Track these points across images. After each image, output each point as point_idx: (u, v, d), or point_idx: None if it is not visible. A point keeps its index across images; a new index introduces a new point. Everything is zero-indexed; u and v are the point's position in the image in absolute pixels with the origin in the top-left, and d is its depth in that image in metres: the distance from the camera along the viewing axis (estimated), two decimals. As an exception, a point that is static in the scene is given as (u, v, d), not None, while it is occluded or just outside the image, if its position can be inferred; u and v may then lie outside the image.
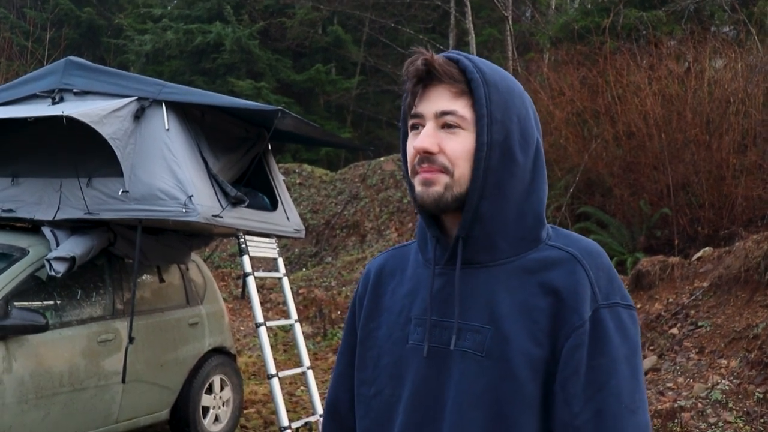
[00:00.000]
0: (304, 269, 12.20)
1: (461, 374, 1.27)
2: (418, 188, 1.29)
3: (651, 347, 6.36)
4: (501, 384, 1.24)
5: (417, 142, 1.27)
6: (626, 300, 1.28)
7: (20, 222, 5.17)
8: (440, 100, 1.28)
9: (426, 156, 1.27)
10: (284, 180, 6.13)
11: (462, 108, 1.27)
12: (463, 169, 1.27)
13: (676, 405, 5.15)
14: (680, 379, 5.66)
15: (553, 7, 17.87)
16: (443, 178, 1.27)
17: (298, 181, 14.32)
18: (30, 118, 4.58)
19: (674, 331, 6.37)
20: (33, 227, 5.07)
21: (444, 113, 1.27)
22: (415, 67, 1.27)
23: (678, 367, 5.84)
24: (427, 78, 1.28)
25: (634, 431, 1.20)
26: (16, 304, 4.38)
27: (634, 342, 1.26)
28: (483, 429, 1.24)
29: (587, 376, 1.21)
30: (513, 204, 1.30)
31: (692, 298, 6.63)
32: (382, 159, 14.21)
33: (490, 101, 1.27)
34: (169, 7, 20.43)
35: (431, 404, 1.30)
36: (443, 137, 1.27)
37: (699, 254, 7.48)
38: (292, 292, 6.00)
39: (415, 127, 1.31)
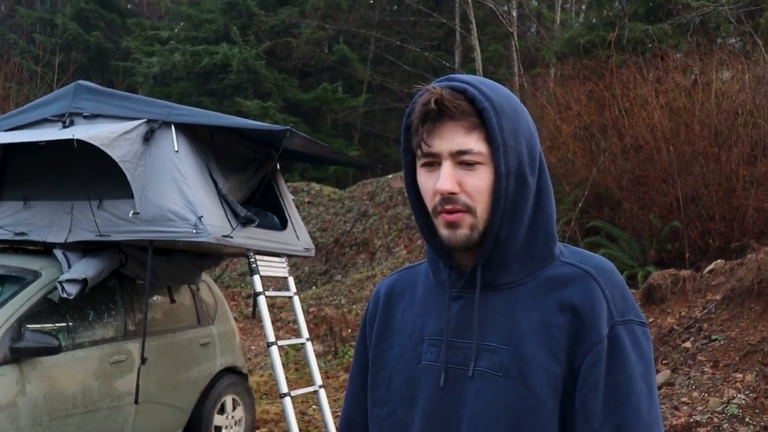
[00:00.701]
0: (314, 288, 12.19)
1: (477, 394, 1.28)
2: (443, 231, 1.29)
3: (664, 361, 6.31)
4: (520, 402, 1.24)
5: (439, 184, 1.25)
6: (640, 317, 1.30)
7: (32, 245, 5.19)
8: (454, 138, 1.25)
9: (449, 197, 1.26)
10: (293, 199, 6.14)
11: (476, 143, 1.25)
12: (484, 204, 1.27)
13: (691, 420, 5.10)
14: (695, 394, 5.61)
15: (558, 22, 17.93)
16: (468, 219, 1.27)
17: (306, 200, 14.35)
18: (41, 141, 4.62)
19: (687, 344, 6.33)
20: (45, 250, 5.10)
21: (461, 152, 1.25)
22: (426, 108, 1.25)
23: (692, 382, 5.79)
24: (440, 115, 1.25)
25: None
26: (29, 326, 4.40)
27: (649, 359, 1.27)
28: None
29: (606, 392, 1.22)
30: (524, 225, 1.31)
31: (705, 311, 6.59)
32: (390, 176, 14.23)
33: (502, 129, 1.25)
34: (176, 29, 20.61)
35: (446, 424, 1.30)
36: (462, 174, 1.26)
37: (711, 267, 7.44)
38: (303, 310, 6.00)
39: (429, 164, 1.29)
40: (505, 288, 1.32)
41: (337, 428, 1.64)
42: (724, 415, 5.06)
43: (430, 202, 1.30)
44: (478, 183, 1.26)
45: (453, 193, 1.25)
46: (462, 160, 1.25)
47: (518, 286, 1.31)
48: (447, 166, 1.26)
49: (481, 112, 1.25)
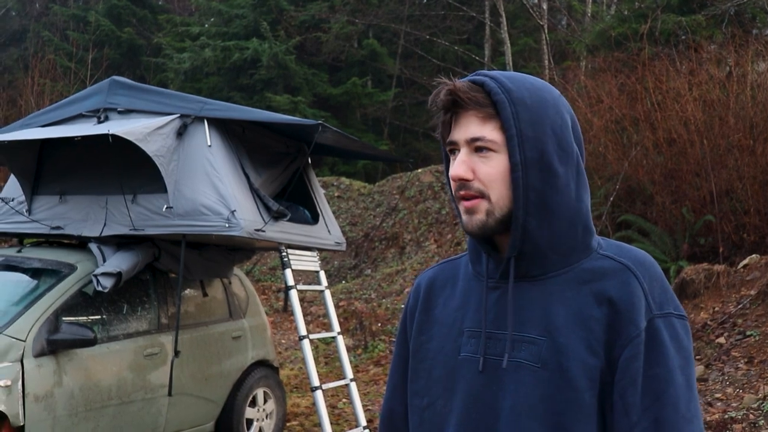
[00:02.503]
0: (343, 282, 12.23)
1: (517, 385, 1.29)
2: (463, 216, 1.33)
3: (698, 357, 6.25)
4: (558, 394, 1.25)
5: (452, 170, 1.31)
6: (679, 310, 1.29)
7: (68, 239, 5.28)
8: (470, 126, 1.31)
9: (462, 183, 1.30)
10: (323, 193, 6.16)
11: (490, 132, 1.29)
12: (499, 191, 1.29)
13: (726, 416, 5.04)
14: (729, 390, 5.54)
15: (589, 14, 17.75)
16: (483, 205, 1.30)
17: (336, 194, 14.39)
18: (77, 137, 4.69)
19: (721, 340, 6.25)
20: (80, 244, 5.18)
21: (474, 139, 1.30)
22: (440, 99, 1.31)
23: (726, 378, 5.72)
24: (456, 106, 1.31)
25: None
26: (65, 319, 4.47)
27: (688, 352, 1.27)
28: None
29: (644, 385, 1.23)
30: (561, 217, 1.31)
31: (739, 306, 6.50)
32: (419, 170, 14.21)
33: (518, 120, 1.28)
34: (206, 25, 20.75)
35: (485, 415, 1.31)
36: (476, 162, 1.30)
37: (745, 261, 7.34)
38: (333, 304, 6.01)
39: (452, 152, 1.35)
40: (541, 279, 1.32)
41: (378, 419, 1.66)
42: (760, 412, 4.99)
43: (453, 189, 1.34)
44: (491, 170, 1.29)
45: (466, 179, 1.30)
46: (476, 146, 1.30)
47: (555, 277, 1.32)
48: (462, 154, 1.31)
49: (496, 105, 1.29)
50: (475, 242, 1.40)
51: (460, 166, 1.29)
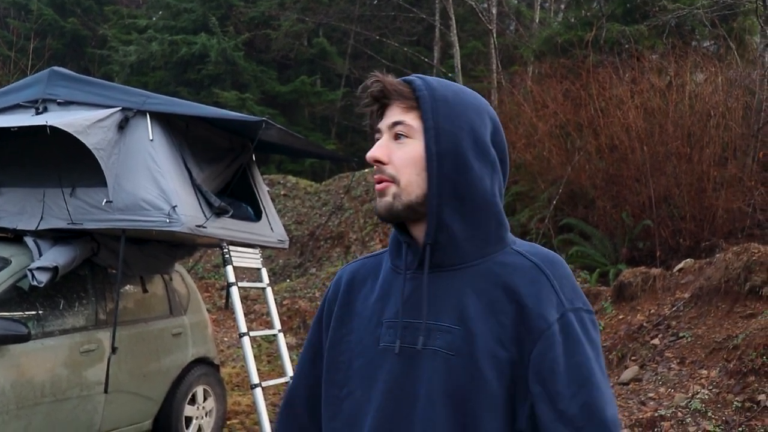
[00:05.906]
0: (288, 280, 12.18)
1: (431, 372, 1.33)
2: (376, 200, 1.41)
3: (633, 358, 6.41)
4: (468, 382, 1.30)
5: (369, 152, 1.39)
6: (587, 306, 1.38)
7: (2, 232, 5.14)
8: (392, 115, 1.39)
9: (378, 167, 1.38)
10: (269, 191, 6.13)
11: (411, 119, 1.37)
12: (409, 177, 1.37)
13: (656, 414, 5.19)
14: (661, 389, 5.70)
15: (537, 20, 18.03)
16: (392, 189, 1.37)
17: (282, 192, 14.32)
18: (13, 127, 4.57)
19: (656, 341, 6.43)
20: (15, 237, 5.05)
21: (395, 123, 1.38)
22: (369, 89, 1.40)
23: (659, 378, 5.89)
24: (384, 98, 1.40)
25: (613, 420, 1.30)
26: (-3, 313, 4.36)
27: (598, 343, 1.36)
28: (451, 425, 1.31)
29: (568, 374, 1.29)
30: (474, 208, 1.37)
31: (674, 309, 6.69)
32: (366, 170, 14.24)
33: (437, 113, 1.36)
34: (154, 18, 20.45)
35: (402, 402, 1.35)
36: (393, 147, 1.38)
37: (680, 266, 7.55)
38: (276, 303, 5.99)
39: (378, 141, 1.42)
40: (455, 269, 1.38)
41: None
42: (688, 410, 5.15)
43: None
44: (404, 155, 1.37)
45: (381, 162, 1.37)
46: (395, 131, 1.38)
47: (469, 268, 1.37)
48: (383, 139, 1.40)
49: (418, 99, 1.37)
50: (394, 234, 1.46)
51: (376, 149, 1.38)
